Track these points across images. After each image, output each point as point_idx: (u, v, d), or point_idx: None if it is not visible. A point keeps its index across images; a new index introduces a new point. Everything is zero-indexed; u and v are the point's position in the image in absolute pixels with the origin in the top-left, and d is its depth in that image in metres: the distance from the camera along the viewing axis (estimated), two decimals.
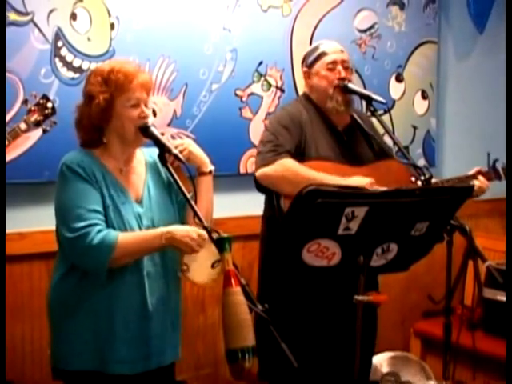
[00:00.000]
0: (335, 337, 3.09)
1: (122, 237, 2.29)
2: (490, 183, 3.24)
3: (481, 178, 3.22)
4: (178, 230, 2.32)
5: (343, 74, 3.06)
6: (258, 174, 2.96)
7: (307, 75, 3.13)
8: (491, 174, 3.29)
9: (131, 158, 2.49)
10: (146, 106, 2.41)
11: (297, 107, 3.10)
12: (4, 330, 2.58)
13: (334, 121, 3.10)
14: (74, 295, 2.40)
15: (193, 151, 2.53)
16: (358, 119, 3.19)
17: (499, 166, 3.30)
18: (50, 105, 2.70)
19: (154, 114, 2.51)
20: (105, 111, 2.36)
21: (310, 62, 3.11)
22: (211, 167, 2.57)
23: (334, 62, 3.06)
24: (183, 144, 2.54)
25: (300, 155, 2.97)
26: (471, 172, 3.26)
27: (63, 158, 2.39)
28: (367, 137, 3.20)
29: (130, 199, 2.42)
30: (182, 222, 2.53)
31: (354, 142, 3.15)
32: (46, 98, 2.71)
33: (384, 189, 2.41)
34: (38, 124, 2.68)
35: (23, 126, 2.62)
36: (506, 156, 3.11)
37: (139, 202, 2.45)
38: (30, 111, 2.67)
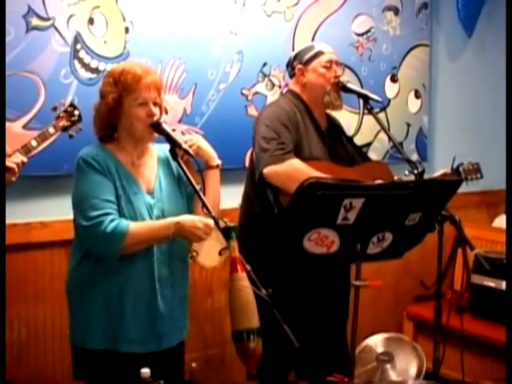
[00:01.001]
0: (324, 318, 3.11)
1: (133, 226, 2.31)
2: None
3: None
4: (186, 220, 2.33)
5: (339, 72, 3.07)
6: (266, 171, 2.88)
7: (301, 72, 3.08)
8: (454, 175, 3.30)
9: (144, 152, 2.50)
10: (155, 104, 2.41)
11: (289, 105, 3.04)
12: (4, 331, 2.58)
13: (318, 121, 3.09)
14: (88, 279, 2.43)
15: (201, 146, 2.54)
16: (334, 121, 3.19)
17: (461, 168, 3.32)
18: (76, 112, 2.70)
19: (166, 111, 2.51)
20: (113, 110, 2.38)
21: (305, 60, 3.06)
22: (218, 161, 2.57)
23: (330, 61, 3.06)
24: (192, 139, 2.55)
25: (295, 153, 2.94)
26: (438, 174, 3.28)
27: (80, 153, 2.41)
28: (341, 138, 3.21)
29: (141, 190, 2.43)
30: (191, 212, 2.53)
31: (335, 142, 3.15)
32: (73, 106, 2.72)
33: (380, 182, 2.41)
34: (65, 129, 2.68)
35: (52, 130, 2.63)
36: (506, 155, 3.08)
37: (150, 193, 2.46)
38: (58, 117, 2.68)
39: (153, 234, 2.35)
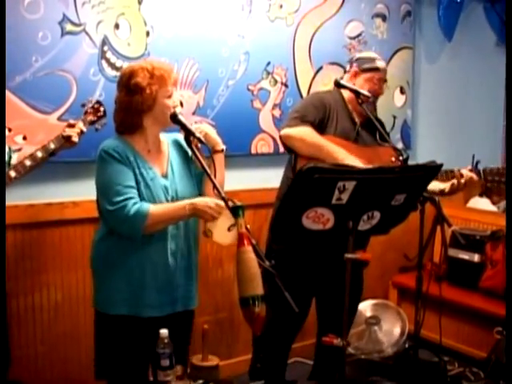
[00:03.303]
0: (328, 288, 3.09)
1: (152, 208, 2.29)
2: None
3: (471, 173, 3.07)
4: (199, 201, 2.31)
5: (383, 91, 3.10)
6: (282, 132, 2.93)
7: (355, 74, 3.07)
8: (474, 172, 3.10)
9: (158, 140, 2.47)
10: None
11: (327, 96, 3.07)
12: (5, 332, 2.60)
13: (353, 114, 3.07)
14: (112, 253, 2.41)
15: (209, 133, 2.51)
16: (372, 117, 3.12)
17: (480, 167, 3.09)
18: (102, 109, 2.71)
19: (181, 104, 2.48)
20: (154, 100, 2.35)
21: (365, 68, 3.05)
22: (223, 146, 2.55)
23: (381, 79, 3.07)
24: (200, 127, 2.52)
25: (320, 129, 2.93)
26: (464, 169, 3.09)
27: (101, 145, 2.38)
28: (375, 132, 3.13)
29: (157, 175, 2.41)
30: (200, 192, 2.52)
31: (365, 134, 3.09)
32: (99, 103, 2.72)
33: (369, 166, 2.39)
34: (92, 123, 2.68)
35: (81, 124, 2.64)
36: (506, 155, 3.02)
37: (165, 176, 2.43)
38: (86, 113, 2.68)
39: (170, 215, 2.33)
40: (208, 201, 2.30)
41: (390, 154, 3.05)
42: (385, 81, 3.12)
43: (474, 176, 3.05)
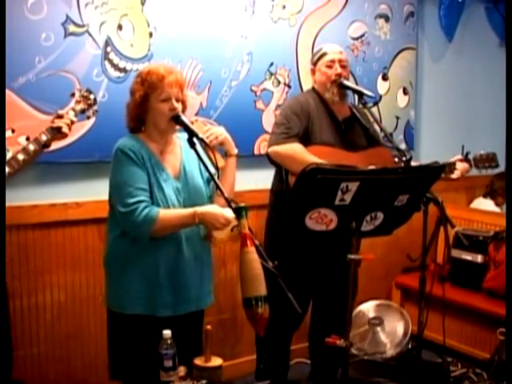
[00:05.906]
0: (326, 288, 3.09)
1: (162, 213, 2.29)
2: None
3: (461, 163, 3.18)
4: (209, 214, 2.28)
5: (339, 70, 3.04)
6: (270, 150, 2.93)
7: (312, 72, 3.13)
8: (467, 161, 3.23)
9: (169, 141, 2.47)
10: (177, 100, 2.39)
11: (306, 98, 3.07)
12: (7, 332, 2.60)
13: (335, 112, 3.06)
14: (126, 255, 2.41)
15: (227, 137, 2.53)
16: (356, 112, 3.13)
17: (471, 156, 3.25)
18: (92, 96, 2.65)
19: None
20: (140, 105, 2.38)
21: (314, 61, 3.11)
22: (236, 151, 2.56)
23: (333, 61, 3.04)
24: (219, 130, 2.53)
25: (306, 138, 2.94)
26: (453, 159, 3.20)
27: (117, 143, 2.39)
28: (363, 127, 3.14)
29: (170, 176, 2.41)
30: (209, 194, 2.51)
31: (351, 131, 3.09)
32: (89, 91, 2.66)
33: (373, 167, 2.38)
34: (83, 112, 2.63)
35: (71, 113, 2.59)
36: (506, 155, 3.02)
37: (177, 178, 2.43)
38: (76, 102, 2.64)
39: (179, 222, 2.33)
40: (219, 215, 2.26)
41: (385, 155, 3.04)
42: (342, 64, 3.05)
43: (467, 165, 3.21)
